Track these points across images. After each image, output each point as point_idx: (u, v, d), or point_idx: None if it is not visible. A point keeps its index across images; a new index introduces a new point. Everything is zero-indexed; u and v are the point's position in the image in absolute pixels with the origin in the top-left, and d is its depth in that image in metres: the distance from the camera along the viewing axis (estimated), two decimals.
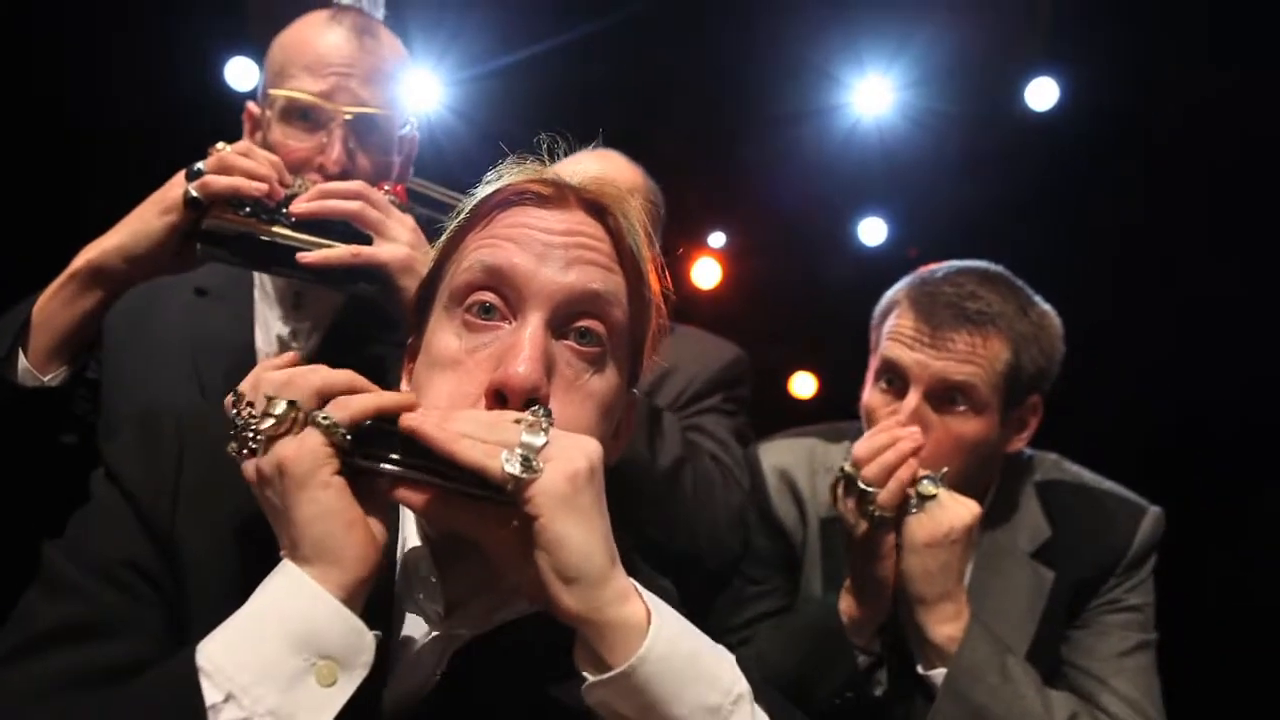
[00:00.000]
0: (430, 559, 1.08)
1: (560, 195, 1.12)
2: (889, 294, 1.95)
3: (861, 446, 1.73)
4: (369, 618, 0.92)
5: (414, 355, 1.17)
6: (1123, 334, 3.87)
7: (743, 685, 0.95)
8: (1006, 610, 1.84)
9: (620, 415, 1.16)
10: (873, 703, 1.82)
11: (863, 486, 1.70)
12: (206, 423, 1.08)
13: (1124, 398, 3.84)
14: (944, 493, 1.71)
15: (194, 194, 1.50)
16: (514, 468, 0.87)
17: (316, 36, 1.81)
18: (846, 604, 1.80)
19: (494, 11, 3.74)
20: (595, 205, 1.12)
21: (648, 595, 0.95)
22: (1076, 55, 4.07)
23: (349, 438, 0.92)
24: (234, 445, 0.96)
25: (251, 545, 0.97)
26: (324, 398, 0.94)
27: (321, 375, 0.96)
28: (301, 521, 0.89)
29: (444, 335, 1.08)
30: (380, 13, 1.96)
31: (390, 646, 1.06)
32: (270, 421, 0.92)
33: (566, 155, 1.18)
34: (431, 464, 0.90)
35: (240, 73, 3.84)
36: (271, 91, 1.79)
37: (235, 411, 0.96)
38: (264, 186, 1.53)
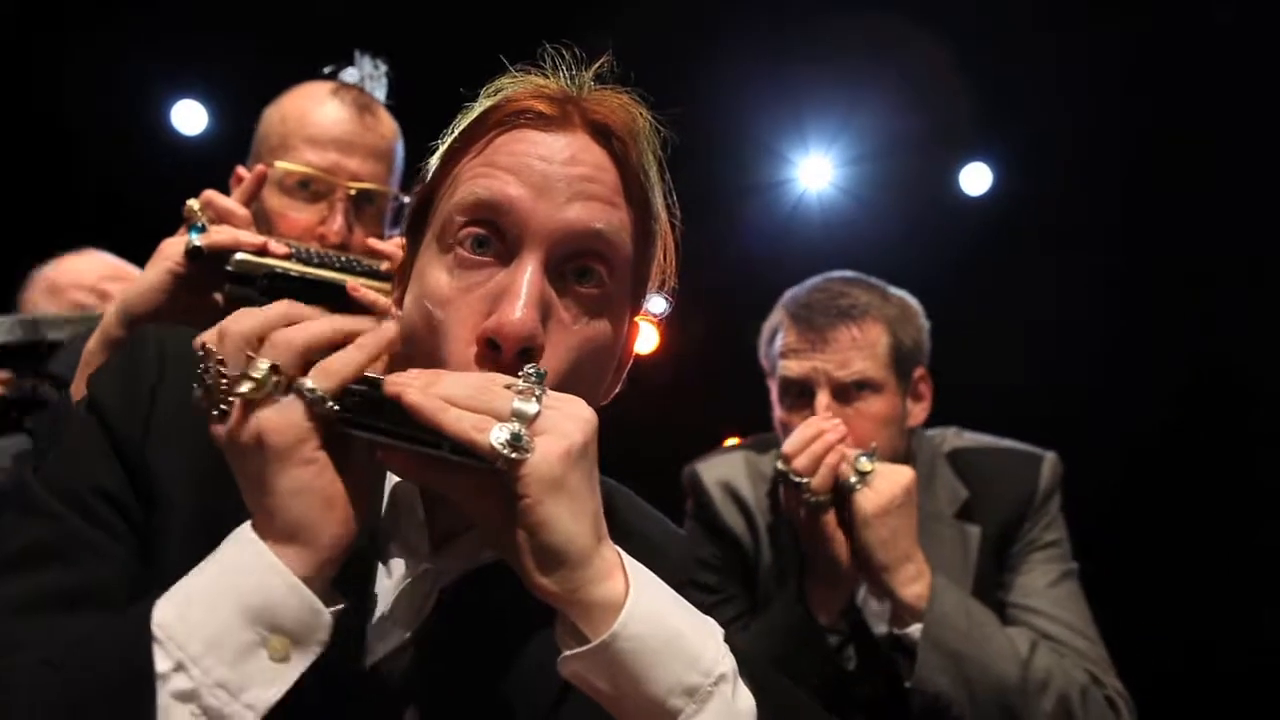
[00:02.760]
0: (418, 493, 1.03)
1: (564, 115, 1.03)
2: (768, 321, 2.12)
3: (789, 444, 1.84)
4: (350, 555, 0.87)
5: (403, 278, 1.10)
6: (1046, 419, 3.98)
7: (726, 665, 0.90)
8: (943, 569, 1.94)
9: (620, 351, 1.10)
10: (847, 677, 1.93)
11: (795, 479, 1.81)
12: (189, 350, 0.99)
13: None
14: (879, 465, 1.84)
15: (196, 244, 1.46)
16: (504, 445, 0.82)
17: (318, 109, 1.83)
18: (811, 591, 1.91)
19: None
20: (601, 128, 1.04)
21: (632, 568, 0.90)
22: (1010, 141, 4.23)
23: (333, 406, 0.85)
24: (202, 399, 0.87)
25: (224, 478, 0.89)
26: (308, 358, 0.86)
27: (305, 333, 0.87)
28: (277, 495, 0.83)
29: (435, 270, 1.01)
30: (381, 93, 1.97)
31: (373, 585, 1.01)
32: (249, 385, 0.83)
33: (571, 67, 1.07)
34: (417, 429, 0.84)
35: (186, 115, 3.83)
36: (274, 163, 1.79)
37: (204, 368, 0.87)
38: (260, 240, 1.50)
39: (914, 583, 1.82)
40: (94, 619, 0.87)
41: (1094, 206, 4.04)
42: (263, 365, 0.84)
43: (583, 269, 1.01)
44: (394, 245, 1.60)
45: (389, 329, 0.92)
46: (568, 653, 0.88)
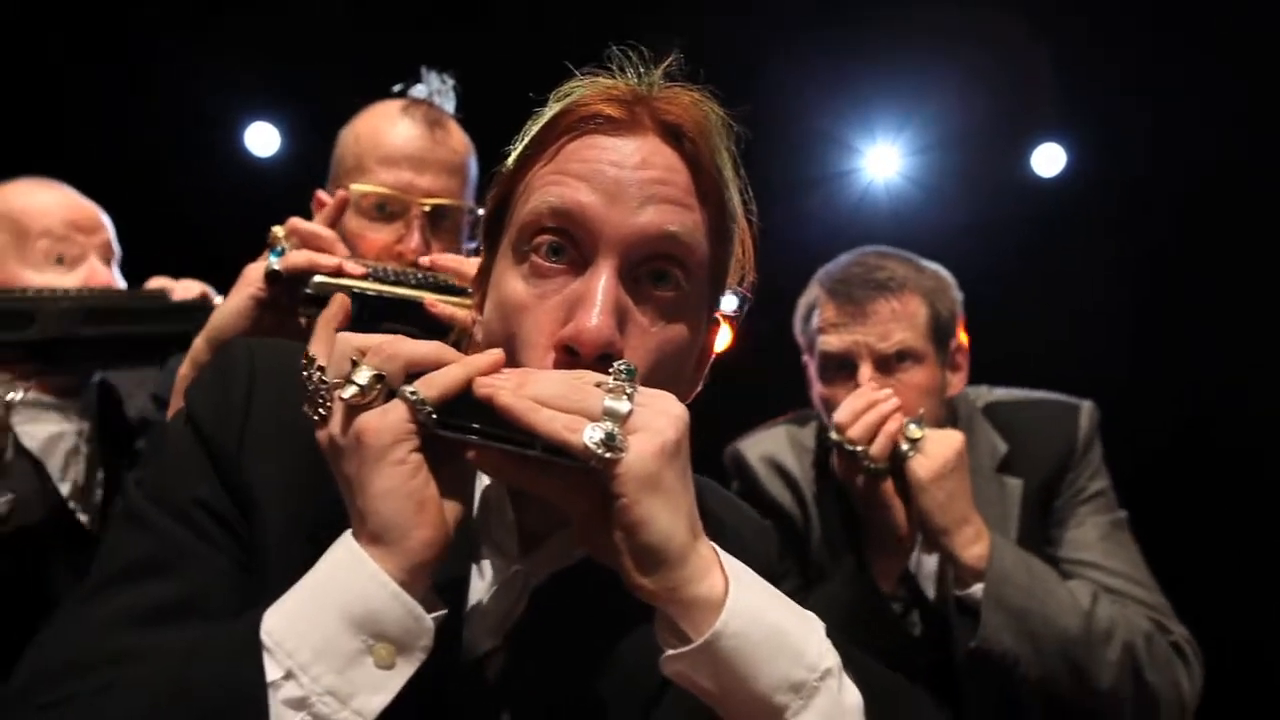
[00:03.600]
0: (507, 495, 1.05)
1: (633, 118, 1.03)
2: (804, 298, 2.14)
3: (841, 414, 1.86)
4: (448, 558, 0.89)
5: (481, 285, 1.12)
6: (1131, 403, 3.87)
7: (831, 659, 0.89)
8: (990, 525, 1.95)
9: (699, 351, 1.10)
10: (913, 643, 1.96)
11: (851, 448, 1.84)
12: (279, 358, 1.04)
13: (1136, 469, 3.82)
14: (929, 431, 1.88)
15: (275, 268, 1.52)
16: (598, 445, 0.82)
17: (390, 129, 1.86)
18: (872, 561, 1.92)
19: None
20: (672, 129, 1.03)
21: (730, 564, 0.90)
22: (1084, 122, 4.12)
23: (433, 415, 0.87)
24: (307, 406, 0.91)
25: (318, 484, 0.92)
26: (411, 370, 0.89)
27: (410, 346, 0.90)
28: (373, 497, 0.85)
29: (511, 278, 1.02)
30: (450, 107, 2.01)
31: (468, 586, 1.03)
32: (352, 390, 0.87)
33: (638, 68, 1.07)
34: (510, 430, 0.85)
35: (259, 138, 3.93)
36: (352, 186, 1.83)
37: (307, 375, 0.91)
38: (336, 262, 1.54)
39: (974, 544, 1.84)
40: (200, 628, 0.89)
41: (1169, 186, 3.91)
42: (367, 372, 0.87)
43: (658, 272, 1.01)
44: (455, 261, 1.63)
45: (496, 353, 0.94)
46: (671, 652, 0.88)
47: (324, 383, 0.90)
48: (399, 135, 1.84)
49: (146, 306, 1.92)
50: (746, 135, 1.10)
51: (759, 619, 0.87)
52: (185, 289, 1.98)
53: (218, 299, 1.91)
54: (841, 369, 2.02)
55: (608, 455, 0.82)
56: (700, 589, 0.86)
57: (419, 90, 1.99)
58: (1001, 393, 2.24)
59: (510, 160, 1.09)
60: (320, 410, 0.90)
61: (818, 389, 2.10)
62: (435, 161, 1.84)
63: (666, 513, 0.85)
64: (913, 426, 1.86)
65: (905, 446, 1.85)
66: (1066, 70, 3.95)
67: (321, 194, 1.96)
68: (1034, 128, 4.20)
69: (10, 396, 1.72)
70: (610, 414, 0.85)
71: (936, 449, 1.85)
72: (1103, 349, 4.01)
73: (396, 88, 1.98)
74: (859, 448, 1.83)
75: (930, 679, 1.95)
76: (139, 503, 1.01)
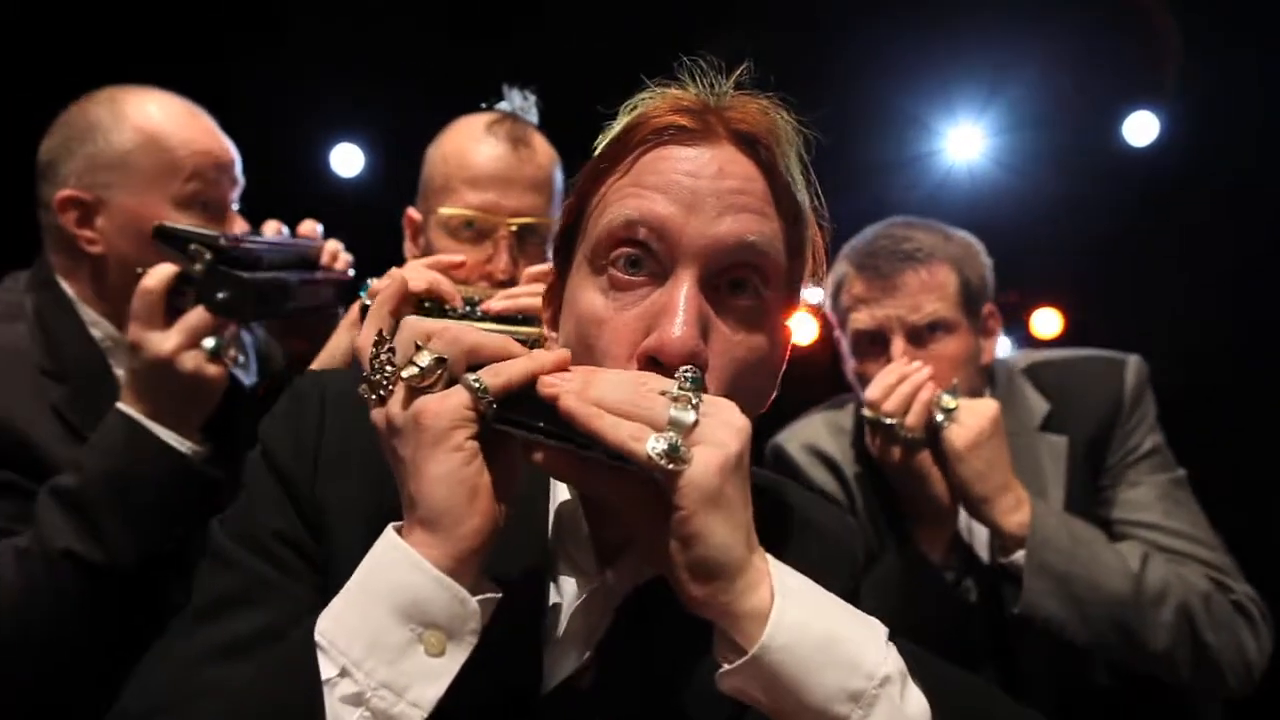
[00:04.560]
0: (581, 512, 1.05)
1: (706, 127, 1.03)
2: (832, 274, 2.11)
3: (874, 390, 1.87)
4: (522, 576, 0.91)
5: (553, 299, 1.13)
6: (1232, 372, 3.70)
7: (891, 666, 0.88)
8: (1035, 485, 1.94)
9: (777, 357, 1.10)
10: (969, 610, 1.96)
11: (887, 422, 1.84)
12: (348, 386, 1.06)
13: (1238, 437, 3.65)
14: (963, 401, 1.88)
15: (366, 302, 1.56)
16: (661, 455, 0.82)
17: (474, 150, 1.90)
18: (918, 534, 1.93)
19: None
20: (746, 138, 1.04)
21: (780, 574, 0.89)
22: (1176, 89, 3.95)
23: (494, 405, 0.88)
24: (366, 389, 0.93)
25: (388, 503, 0.94)
26: (473, 360, 0.91)
27: (475, 335, 0.92)
28: (425, 480, 0.86)
29: (588, 291, 1.02)
30: (534, 116, 2.04)
31: (548, 604, 1.04)
32: (414, 371, 0.88)
33: (709, 77, 1.07)
34: (571, 430, 0.86)
35: (345, 158, 4.03)
36: (440, 209, 1.87)
37: (375, 354, 0.92)
38: (423, 289, 1.58)
39: (1015, 512, 1.84)
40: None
41: (1272, 144, 3.72)
42: (429, 355, 0.88)
43: (737, 281, 1.01)
44: (541, 271, 1.65)
45: (563, 352, 0.95)
46: (725, 668, 0.88)
47: (389, 364, 0.91)
48: (484, 155, 1.88)
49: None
50: (818, 141, 1.10)
51: (808, 630, 0.86)
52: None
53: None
54: (874, 344, 2.02)
55: (671, 467, 0.82)
56: (750, 602, 0.86)
57: (502, 107, 2.02)
58: (1044, 354, 2.21)
59: (582, 175, 1.09)
60: (380, 391, 0.91)
61: (851, 365, 2.10)
62: (520, 180, 1.87)
63: (725, 527, 0.85)
64: (946, 397, 1.86)
65: (940, 417, 1.85)
66: (1151, 34, 3.80)
67: (412, 212, 2.01)
68: (1123, 97, 4.05)
69: (214, 343, 1.69)
70: (675, 424, 0.85)
71: (971, 418, 1.85)
72: (1211, 317, 3.84)
73: (482, 106, 2.01)
74: (894, 421, 1.83)
75: (995, 642, 1.95)
76: (221, 541, 1.05)
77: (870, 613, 0.94)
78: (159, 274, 1.66)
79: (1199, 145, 3.91)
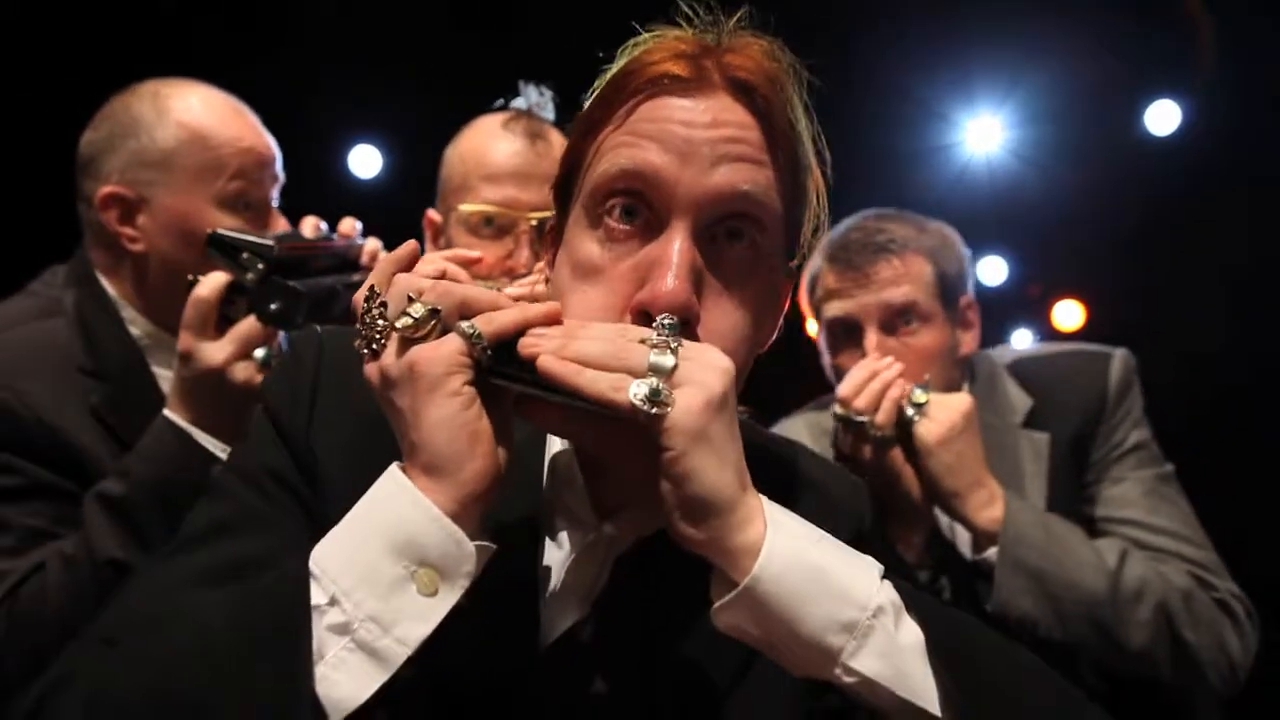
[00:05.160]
0: (576, 463, 1.06)
1: (702, 75, 1.02)
2: (808, 268, 2.10)
3: (845, 387, 1.86)
4: (518, 529, 0.91)
5: (552, 245, 1.13)
6: (1257, 364, 3.67)
7: (885, 597, 0.88)
8: (1015, 482, 1.92)
9: (775, 304, 1.11)
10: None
11: (858, 419, 1.82)
12: (347, 343, 1.08)
13: (1265, 432, 3.61)
14: (934, 395, 1.85)
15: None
16: (643, 401, 0.83)
17: (491, 146, 1.91)
18: (891, 532, 1.91)
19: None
20: (742, 85, 1.03)
21: (771, 511, 0.90)
22: (1199, 77, 3.91)
23: (488, 352, 0.89)
24: (360, 342, 0.94)
25: (379, 456, 0.95)
26: (466, 311, 0.91)
27: (466, 288, 0.93)
28: (426, 427, 0.87)
29: (584, 240, 1.03)
30: (550, 114, 2.04)
31: (544, 557, 1.04)
32: (408, 321, 0.89)
33: (705, 21, 1.06)
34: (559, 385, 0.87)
35: (363, 159, 4.05)
36: (459, 207, 1.88)
37: (367, 307, 0.93)
38: (411, 257, 1.58)
39: (987, 507, 1.81)
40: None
41: None
42: (423, 306, 0.89)
43: (733, 230, 1.01)
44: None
45: (553, 305, 0.95)
46: (718, 603, 0.88)
47: (381, 316, 0.91)
48: (501, 152, 1.89)
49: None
50: (820, 86, 1.08)
51: (799, 560, 0.86)
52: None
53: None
54: (849, 335, 2.01)
55: (653, 411, 0.83)
56: (743, 537, 0.86)
57: (518, 104, 2.02)
58: (1029, 350, 2.19)
59: (578, 122, 1.09)
60: (373, 345, 0.92)
61: (828, 360, 2.09)
62: (538, 175, 1.87)
63: (714, 464, 0.85)
64: (918, 391, 1.84)
65: (910, 412, 1.82)
66: (1173, 22, 3.76)
67: (432, 213, 2.01)
68: (1144, 86, 4.01)
69: (264, 353, 1.69)
70: (655, 369, 0.86)
71: (943, 413, 1.83)
72: (1236, 308, 3.81)
73: (497, 103, 2.01)
74: (864, 418, 1.81)
75: None
76: (219, 474, 1.09)
77: None
78: (212, 283, 1.66)
79: (1222, 133, 3.87)
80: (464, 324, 0.89)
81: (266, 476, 1.05)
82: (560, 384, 0.86)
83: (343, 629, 0.82)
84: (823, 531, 0.93)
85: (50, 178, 1.95)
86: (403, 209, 2.19)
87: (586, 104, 1.10)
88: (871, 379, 1.84)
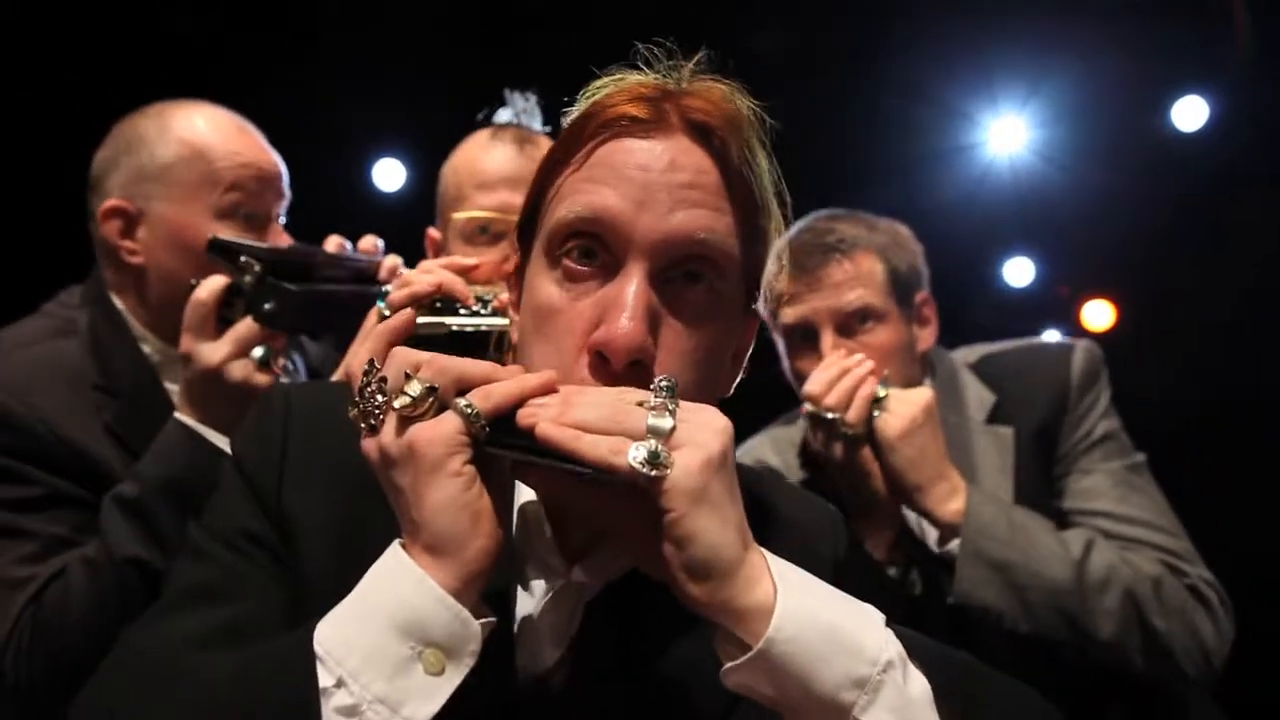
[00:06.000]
0: (543, 511, 1.07)
1: (660, 117, 1.03)
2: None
3: (813, 384, 1.85)
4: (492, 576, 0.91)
5: (516, 286, 1.15)
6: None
7: (892, 650, 0.89)
8: (981, 478, 1.93)
9: (735, 345, 1.12)
10: (916, 601, 1.94)
11: (828, 416, 1.83)
12: (314, 399, 1.11)
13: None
14: (893, 390, 1.86)
15: (385, 312, 1.59)
16: (643, 464, 0.84)
17: (482, 156, 1.94)
18: (860, 530, 1.90)
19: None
20: (700, 128, 1.03)
21: (778, 567, 0.90)
22: (1226, 71, 3.86)
23: (486, 428, 0.90)
24: (355, 415, 0.94)
25: (354, 512, 0.97)
26: (462, 386, 0.93)
27: (462, 363, 0.94)
28: (428, 508, 0.88)
29: (544, 281, 1.04)
30: (538, 124, 2.06)
31: (516, 604, 1.05)
32: (405, 400, 0.90)
33: (665, 65, 1.08)
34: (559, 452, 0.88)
35: (387, 173, 4.08)
36: (452, 216, 1.90)
37: (366, 381, 0.94)
38: (431, 290, 1.60)
39: (950, 500, 1.82)
40: (254, 647, 0.93)
41: None
42: (420, 384, 0.90)
43: (691, 273, 1.02)
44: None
45: (549, 374, 0.96)
46: (729, 665, 0.88)
47: (380, 391, 0.92)
48: (492, 160, 1.92)
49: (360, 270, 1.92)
50: (779, 128, 1.09)
51: (812, 620, 0.86)
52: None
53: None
54: (805, 339, 2.01)
55: (653, 473, 0.84)
56: (752, 598, 0.86)
57: (503, 115, 2.05)
58: (993, 347, 2.18)
59: (541, 164, 1.11)
60: (370, 421, 0.93)
61: (787, 365, 2.08)
62: (529, 178, 1.87)
63: (715, 525, 0.86)
64: (877, 387, 1.85)
65: (871, 410, 1.83)
66: (1199, 16, 3.72)
67: (432, 231, 2.04)
68: (1170, 81, 3.96)
69: (262, 353, 1.71)
70: (654, 432, 0.86)
71: (903, 407, 1.83)
72: (1268, 305, 3.74)
73: (482, 114, 2.04)
74: (836, 415, 1.81)
75: (952, 634, 1.89)
76: (196, 535, 1.09)
77: None
78: (210, 286, 1.70)
79: (1251, 128, 3.82)
80: (461, 402, 0.90)
81: (242, 537, 1.07)
82: (559, 450, 0.87)
83: (351, 711, 0.83)
84: (825, 583, 0.93)
85: (72, 199, 1.98)
86: (426, 222, 2.21)
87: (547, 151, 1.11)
88: (841, 376, 1.84)
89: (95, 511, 1.67)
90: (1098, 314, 4.34)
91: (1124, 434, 2.04)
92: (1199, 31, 3.75)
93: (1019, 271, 4.40)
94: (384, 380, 0.93)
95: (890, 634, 0.91)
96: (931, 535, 1.95)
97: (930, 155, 4.05)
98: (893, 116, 3.81)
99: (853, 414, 1.82)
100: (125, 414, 1.80)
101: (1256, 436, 3.46)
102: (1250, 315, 3.72)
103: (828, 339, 1.97)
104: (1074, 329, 4.36)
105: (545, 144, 1.97)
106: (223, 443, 1.68)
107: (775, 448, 2.21)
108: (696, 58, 1.08)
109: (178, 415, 1.70)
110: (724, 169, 1.04)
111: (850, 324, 1.98)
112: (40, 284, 2.01)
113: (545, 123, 2.09)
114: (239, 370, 1.67)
